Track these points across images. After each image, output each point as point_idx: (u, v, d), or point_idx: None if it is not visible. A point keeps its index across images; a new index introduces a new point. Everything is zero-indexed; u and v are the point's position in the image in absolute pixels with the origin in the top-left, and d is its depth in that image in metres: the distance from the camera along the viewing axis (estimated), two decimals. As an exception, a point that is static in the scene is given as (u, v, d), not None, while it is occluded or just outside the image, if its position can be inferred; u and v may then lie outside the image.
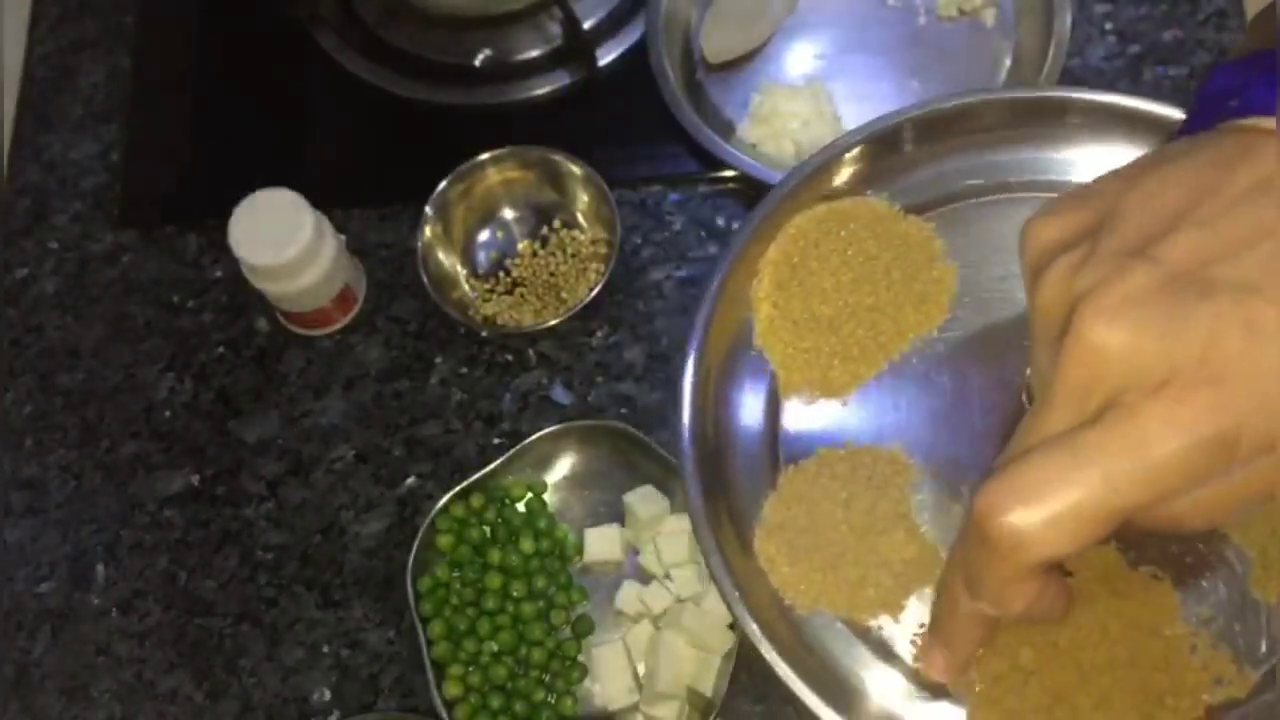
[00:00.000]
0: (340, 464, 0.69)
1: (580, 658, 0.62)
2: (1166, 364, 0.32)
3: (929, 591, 0.50)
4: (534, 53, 0.77)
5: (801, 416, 0.54)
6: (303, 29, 0.79)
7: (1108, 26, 0.75)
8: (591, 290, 0.67)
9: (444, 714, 0.60)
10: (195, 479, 0.69)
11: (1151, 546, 0.51)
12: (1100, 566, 0.51)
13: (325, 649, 0.65)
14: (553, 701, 0.61)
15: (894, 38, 0.75)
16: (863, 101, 0.73)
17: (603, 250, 0.71)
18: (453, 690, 0.61)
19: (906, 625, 0.50)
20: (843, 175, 0.57)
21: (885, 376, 0.54)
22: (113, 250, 0.76)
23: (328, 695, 0.64)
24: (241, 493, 0.69)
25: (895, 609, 0.51)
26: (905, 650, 0.51)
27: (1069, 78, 0.72)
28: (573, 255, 0.71)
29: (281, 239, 0.65)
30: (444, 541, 0.63)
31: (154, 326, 0.73)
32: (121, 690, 0.65)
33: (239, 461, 0.69)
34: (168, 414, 0.71)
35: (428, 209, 0.70)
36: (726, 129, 0.73)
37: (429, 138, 0.76)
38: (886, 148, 0.57)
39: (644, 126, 0.74)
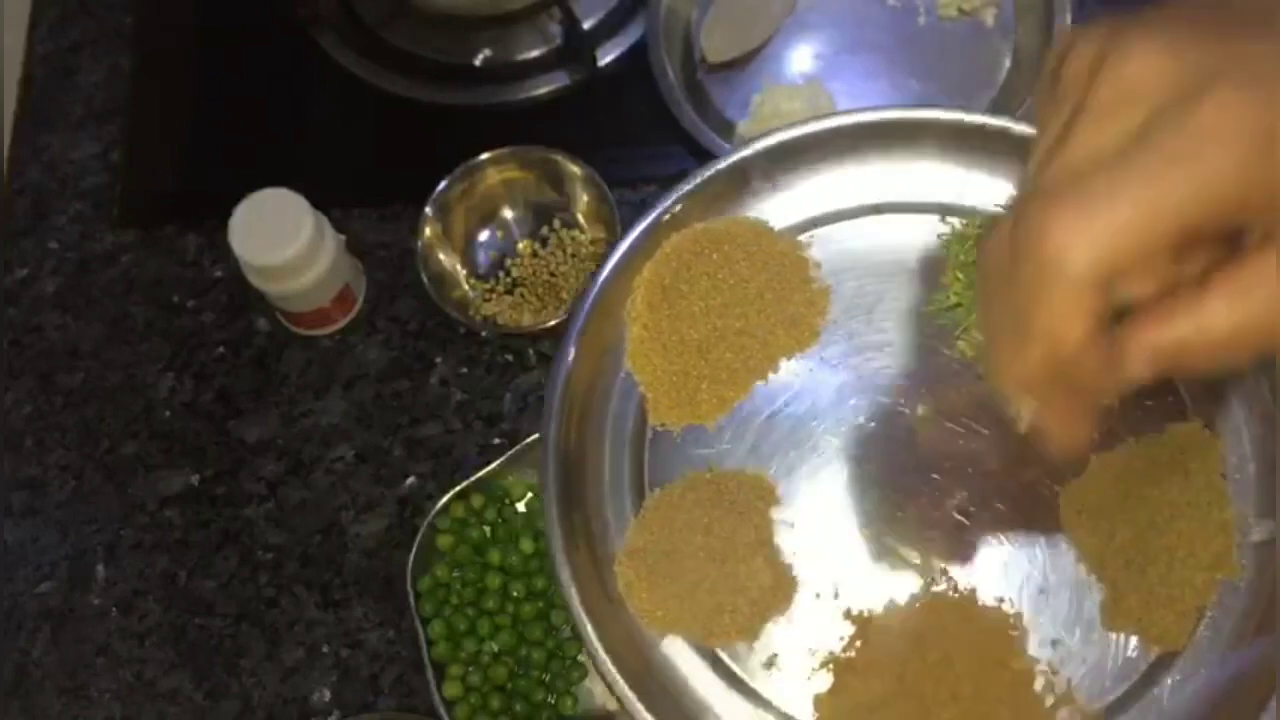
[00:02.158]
0: (340, 464, 0.69)
1: (580, 658, 0.62)
2: (1206, 77, 0.32)
3: (784, 619, 0.51)
4: (534, 53, 0.77)
5: (669, 439, 0.54)
6: (303, 29, 0.79)
7: (1108, 26, 0.75)
8: (591, 290, 0.67)
9: (444, 714, 0.60)
10: (195, 479, 0.69)
11: (1005, 584, 0.51)
12: (949, 600, 0.51)
13: (325, 649, 0.65)
14: (553, 701, 0.61)
15: (894, 38, 0.75)
16: (862, 101, 0.73)
17: (602, 250, 0.71)
18: (453, 690, 0.61)
19: (758, 654, 0.51)
20: (723, 194, 0.56)
21: (755, 399, 0.54)
22: (113, 250, 0.76)
23: (328, 695, 0.64)
24: (241, 493, 0.69)
25: (750, 635, 0.51)
26: (755, 678, 0.51)
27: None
28: (573, 255, 0.71)
29: (281, 239, 0.65)
30: (444, 541, 0.63)
31: (154, 326, 0.73)
32: (121, 690, 0.65)
33: (239, 461, 0.69)
34: (168, 414, 0.71)
35: (428, 209, 0.69)
36: (726, 129, 0.73)
37: (429, 138, 0.76)
38: (763, 168, 0.57)
39: (644, 126, 0.74)
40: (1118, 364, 0.34)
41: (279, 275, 0.66)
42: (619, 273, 0.55)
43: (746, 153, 0.56)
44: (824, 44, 0.76)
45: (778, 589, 0.51)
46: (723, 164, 0.56)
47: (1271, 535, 0.51)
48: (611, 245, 0.54)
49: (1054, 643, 0.51)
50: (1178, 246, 0.33)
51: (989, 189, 0.57)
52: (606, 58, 0.76)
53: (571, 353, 0.54)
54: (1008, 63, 0.73)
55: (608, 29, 0.77)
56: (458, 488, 0.64)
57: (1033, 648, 0.50)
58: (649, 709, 0.49)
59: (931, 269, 0.55)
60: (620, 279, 0.55)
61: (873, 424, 0.53)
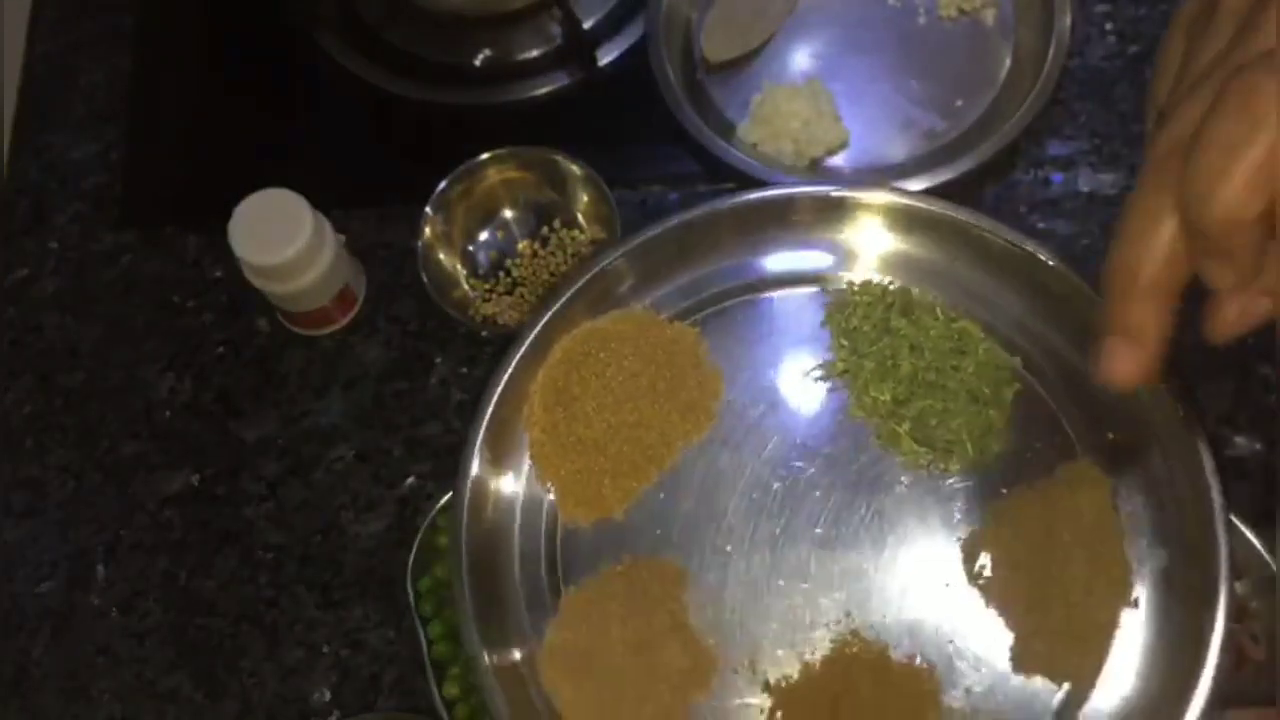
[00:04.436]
0: (340, 464, 0.69)
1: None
2: None
3: (705, 698, 0.52)
4: (534, 53, 0.77)
5: (581, 534, 0.56)
6: (303, 29, 0.79)
7: (1108, 26, 0.75)
8: (591, 290, 0.67)
9: (444, 714, 0.60)
10: (195, 479, 0.69)
11: (915, 637, 0.53)
12: (862, 660, 0.52)
13: (325, 649, 0.65)
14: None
15: (894, 38, 0.75)
16: (863, 101, 0.73)
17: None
18: (453, 690, 0.61)
19: None
20: (609, 290, 0.59)
21: (660, 484, 0.56)
22: (113, 250, 0.76)
23: (328, 695, 0.64)
24: (241, 493, 0.69)
25: (675, 719, 0.52)
26: None
27: (1069, 78, 0.72)
28: (573, 255, 0.71)
29: (281, 239, 0.65)
30: (444, 541, 0.63)
31: (154, 326, 0.73)
32: (121, 690, 0.65)
33: (239, 461, 0.69)
34: (168, 414, 0.71)
35: (428, 209, 0.70)
36: (727, 129, 0.73)
37: (429, 138, 0.76)
38: (647, 260, 0.59)
39: (644, 126, 0.74)
40: None
41: (279, 275, 0.66)
42: (514, 379, 0.57)
43: (616, 254, 0.58)
44: (824, 44, 0.76)
45: (696, 670, 0.53)
46: (595, 268, 0.58)
47: (1165, 563, 0.53)
48: (503, 353, 0.56)
49: (968, 691, 0.52)
50: None
51: (865, 256, 0.60)
52: (606, 58, 0.76)
53: (475, 465, 0.55)
54: (1008, 63, 0.74)
55: (608, 29, 0.77)
56: (458, 488, 0.64)
57: (948, 699, 0.52)
58: None
59: (816, 338, 0.58)
60: (518, 383, 0.57)
61: (774, 496, 0.56)
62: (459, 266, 0.71)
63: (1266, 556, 0.54)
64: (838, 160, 0.72)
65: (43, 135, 0.79)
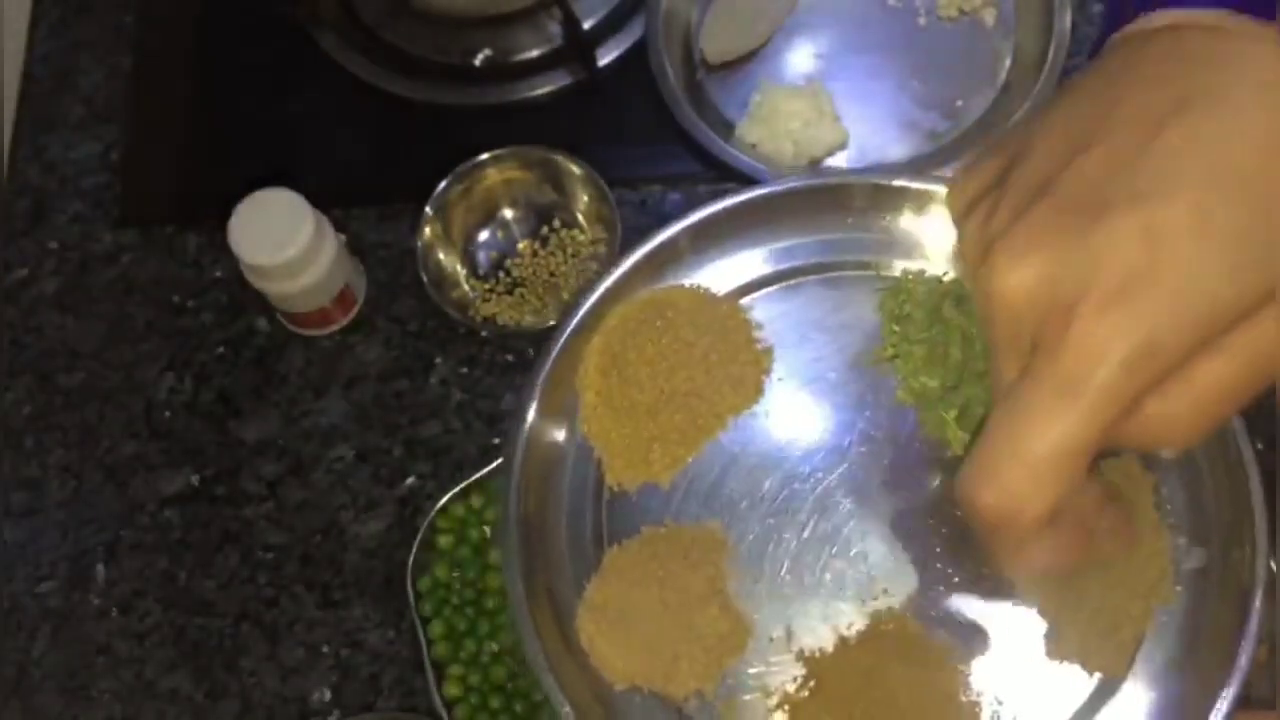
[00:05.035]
0: (340, 464, 0.69)
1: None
2: (1073, 290, 0.32)
3: (739, 664, 0.53)
4: (534, 53, 0.77)
5: (626, 497, 0.57)
6: (303, 29, 0.79)
7: (1108, 26, 0.75)
8: (591, 290, 0.67)
9: (444, 714, 0.60)
10: (195, 479, 0.69)
11: (949, 618, 0.53)
12: (895, 637, 0.53)
13: (325, 649, 0.65)
14: (553, 701, 0.61)
15: (894, 38, 0.75)
16: (863, 101, 0.73)
17: (602, 250, 0.71)
18: (453, 690, 0.61)
19: (715, 699, 0.53)
20: (667, 263, 0.59)
21: (706, 455, 0.57)
22: (113, 250, 0.76)
23: (328, 695, 0.64)
24: (241, 493, 0.69)
25: (708, 681, 0.53)
26: None
27: (1069, 78, 0.72)
28: (573, 255, 0.71)
29: (281, 239, 0.65)
30: (444, 541, 0.63)
31: (154, 326, 0.73)
32: (121, 690, 0.65)
33: (239, 461, 0.69)
34: (168, 414, 0.71)
35: (428, 209, 0.69)
36: (726, 129, 0.73)
37: (429, 138, 0.76)
38: (707, 236, 0.60)
39: (644, 126, 0.74)
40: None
41: (279, 275, 0.66)
42: (571, 342, 0.58)
43: (678, 227, 0.59)
44: (824, 44, 0.76)
45: (732, 635, 0.53)
46: (656, 241, 0.59)
47: (1202, 562, 0.53)
48: (562, 318, 0.58)
49: (999, 675, 0.52)
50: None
51: (922, 245, 0.60)
52: (606, 58, 0.76)
53: (530, 418, 0.56)
54: (1008, 62, 0.73)
55: (608, 29, 0.77)
56: (458, 488, 0.64)
57: (978, 681, 0.52)
58: None
59: (868, 324, 0.58)
60: (573, 348, 0.58)
61: (818, 472, 0.56)
62: (459, 266, 0.71)
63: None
64: (837, 160, 0.72)
65: (43, 135, 0.79)
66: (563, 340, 0.57)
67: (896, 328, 0.58)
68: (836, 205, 0.60)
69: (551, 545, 0.56)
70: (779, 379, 0.58)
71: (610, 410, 0.58)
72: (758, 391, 0.58)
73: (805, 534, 0.55)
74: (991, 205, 0.36)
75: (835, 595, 0.54)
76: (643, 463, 0.57)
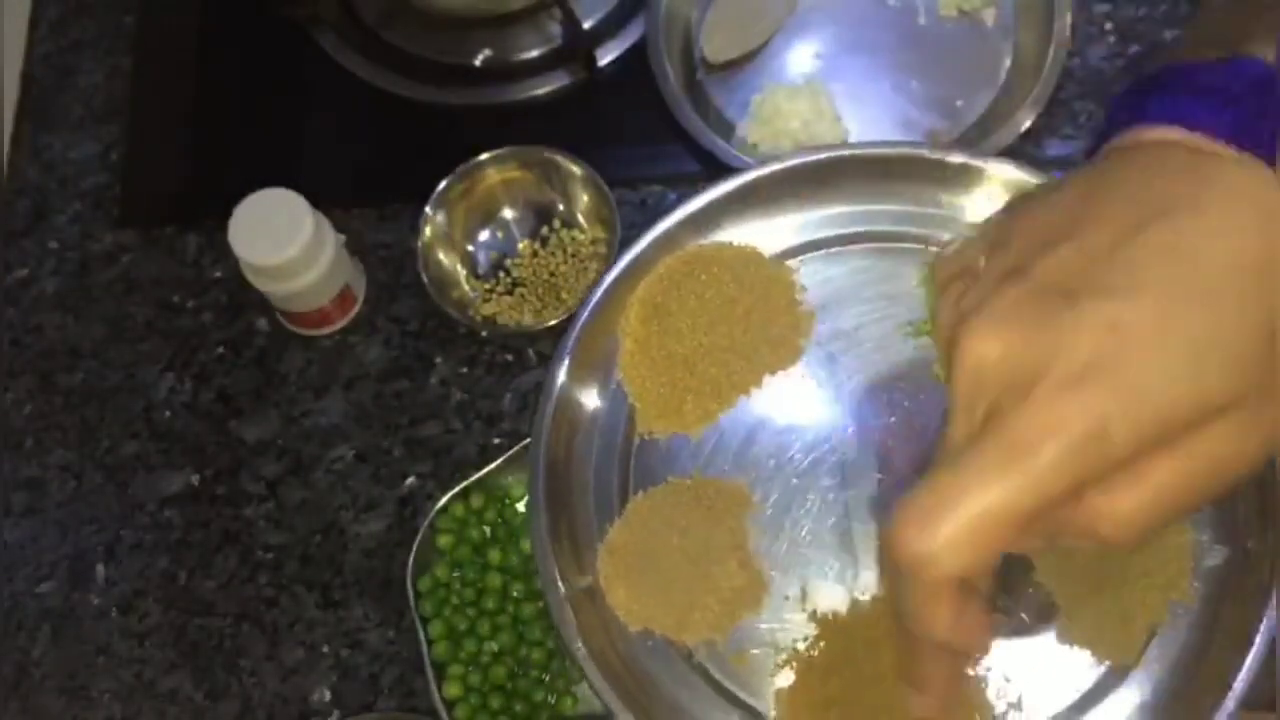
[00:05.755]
0: (340, 464, 0.69)
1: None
2: (1034, 369, 0.33)
3: (753, 618, 0.54)
4: (534, 53, 0.77)
5: (655, 445, 0.57)
6: (303, 29, 0.79)
7: (1108, 26, 0.75)
8: (591, 290, 0.67)
9: (444, 714, 0.60)
10: (195, 479, 0.69)
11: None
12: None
13: (325, 649, 0.65)
14: (553, 701, 0.61)
15: (894, 38, 0.75)
16: (863, 101, 0.73)
17: (603, 250, 0.71)
18: (453, 690, 0.61)
19: (727, 649, 0.53)
20: (719, 218, 0.60)
21: (738, 413, 0.57)
22: (113, 250, 0.76)
23: (328, 695, 0.64)
24: (241, 493, 0.69)
25: (721, 632, 0.53)
26: (722, 671, 0.53)
27: (1069, 78, 0.72)
28: (573, 255, 0.71)
29: (281, 239, 0.65)
30: (444, 541, 0.63)
31: (154, 326, 0.73)
32: (121, 690, 0.65)
33: (239, 461, 0.69)
34: (168, 414, 0.71)
35: (428, 209, 0.70)
36: (727, 129, 0.73)
37: (429, 138, 0.76)
38: (760, 195, 0.60)
39: (644, 126, 0.74)
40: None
41: (279, 275, 0.66)
42: (615, 288, 0.58)
43: (730, 184, 0.59)
44: (824, 44, 0.76)
45: (749, 590, 0.54)
46: (707, 195, 0.59)
47: (1224, 560, 0.54)
48: (608, 264, 0.58)
49: (1009, 652, 0.53)
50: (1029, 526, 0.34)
51: (967, 222, 0.60)
52: (606, 58, 0.76)
53: (566, 360, 0.57)
54: (1008, 62, 0.73)
55: (608, 29, 0.77)
56: (458, 488, 0.64)
57: (988, 660, 0.52)
58: (620, 697, 0.52)
59: (911, 297, 0.59)
60: (616, 294, 0.58)
61: (848, 439, 0.56)
62: (459, 266, 0.71)
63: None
64: (838, 160, 0.72)
65: (43, 135, 0.79)
66: (606, 284, 0.58)
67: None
68: (889, 176, 0.60)
69: (577, 488, 0.57)
70: (817, 342, 0.58)
71: (648, 359, 0.58)
72: (796, 354, 0.58)
73: (828, 498, 0.56)
74: (968, 283, 0.38)
75: (852, 561, 0.54)
76: (675, 413, 0.57)
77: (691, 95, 0.73)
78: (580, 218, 0.72)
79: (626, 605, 0.54)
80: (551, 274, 0.71)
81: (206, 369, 0.72)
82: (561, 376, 0.57)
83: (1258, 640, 0.50)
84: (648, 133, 0.74)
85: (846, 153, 0.60)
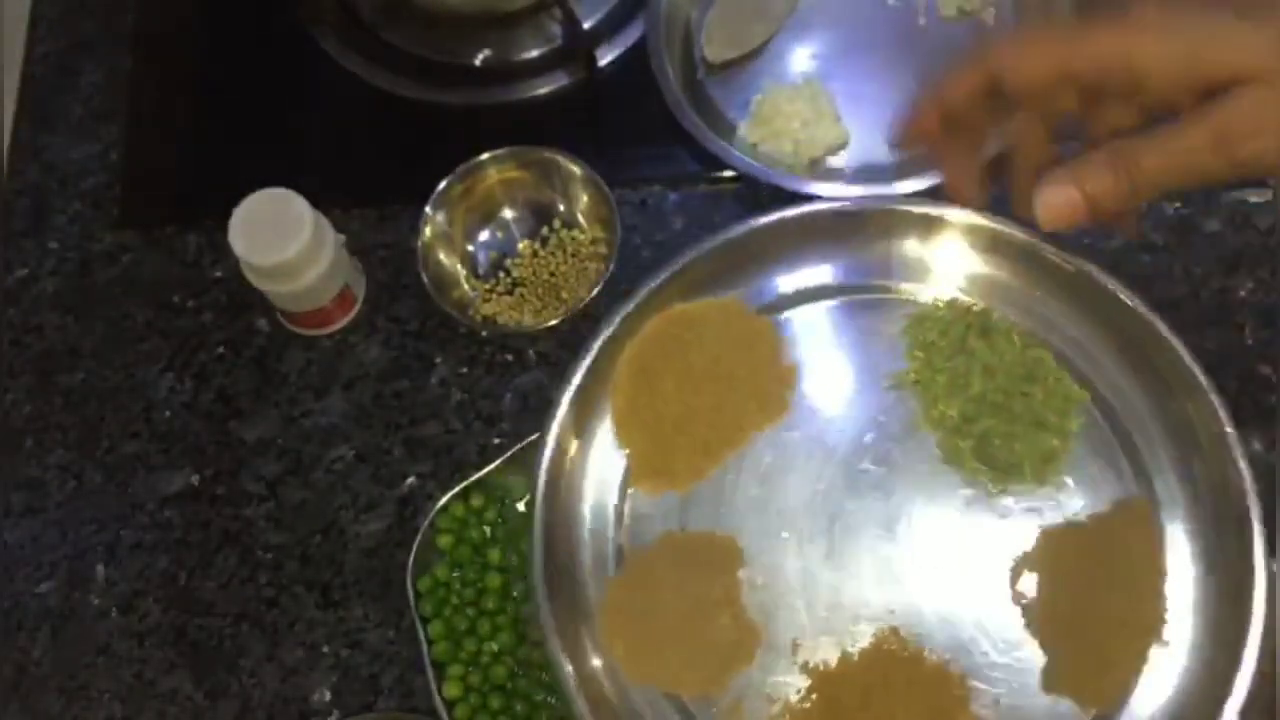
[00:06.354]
0: (340, 464, 0.69)
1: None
2: None
3: (747, 671, 0.55)
4: (534, 53, 0.77)
5: (649, 501, 0.59)
6: (303, 29, 0.79)
7: (1108, 26, 0.75)
8: (591, 290, 0.67)
9: (444, 714, 0.60)
10: (195, 479, 0.69)
11: (953, 642, 0.54)
12: (898, 657, 0.55)
13: (325, 649, 0.65)
14: (553, 701, 0.61)
15: (894, 38, 0.75)
16: (863, 101, 0.73)
17: (603, 250, 0.71)
18: (453, 690, 0.61)
19: (722, 702, 0.54)
20: (703, 276, 0.61)
21: (728, 465, 0.59)
22: (113, 250, 0.76)
23: (328, 695, 0.64)
24: (241, 493, 0.69)
25: (716, 686, 0.55)
26: None
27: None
28: (573, 255, 0.71)
29: (281, 239, 0.65)
30: (444, 541, 0.63)
31: (154, 326, 0.73)
32: (121, 690, 0.65)
33: (239, 461, 0.69)
34: (168, 414, 0.71)
35: (428, 209, 0.70)
36: (727, 129, 0.73)
37: (429, 138, 0.76)
38: (741, 252, 0.61)
39: (644, 126, 0.74)
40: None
41: (279, 275, 0.66)
42: (605, 349, 0.59)
43: (713, 243, 0.60)
44: (824, 44, 0.76)
45: (742, 644, 0.55)
46: (691, 256, 0.60)
47: (1204, 602, 0.55)
48: (593, 331, 0.59)
49: (996, 703, 0.54)
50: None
51: (951, 274, 0.61)
52: (606, 58, 0.76)
53: (559, 418, 0.58)
54: (1008, 63, 0.73)
55: (608, 29, 0.77)
56: (458, 488, 0.64)
57: (976, 708, 0.54)
58: None
59: (894, 347, 0.60)
60: (606, 355, 0.59)
61: (835, 491, 0.58)
62: (459, 266, 0.71)
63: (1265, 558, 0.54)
64: (837, 161, 0.72)
65: (43, 135, 0.79)
66: (597, 345, 0.59)
67: (921, 354, 0.60)
68: (874, 230, 0.61)
69: (575, 544, 0.58)
70: (803, 395, 0.60)
71: (637, 419, 0.59)
72: (782, 409, 0.59)
73: (817, 550, 0.57)
74: None
75: (843, 612, 0.56)
76: (666, 471, 0.59)
77: (691, 95, 0.73)
78: (580, 218, 0.72)
79: (627, 662, 0.55)
80: (551, 274, 0.71)
81: (206, 369, 0.72)
82: (556, 432, 0.57)
83: (1238, 678, 0.51)
84: (648, 133, 0.74)
85: (820, 210, 0.62)
